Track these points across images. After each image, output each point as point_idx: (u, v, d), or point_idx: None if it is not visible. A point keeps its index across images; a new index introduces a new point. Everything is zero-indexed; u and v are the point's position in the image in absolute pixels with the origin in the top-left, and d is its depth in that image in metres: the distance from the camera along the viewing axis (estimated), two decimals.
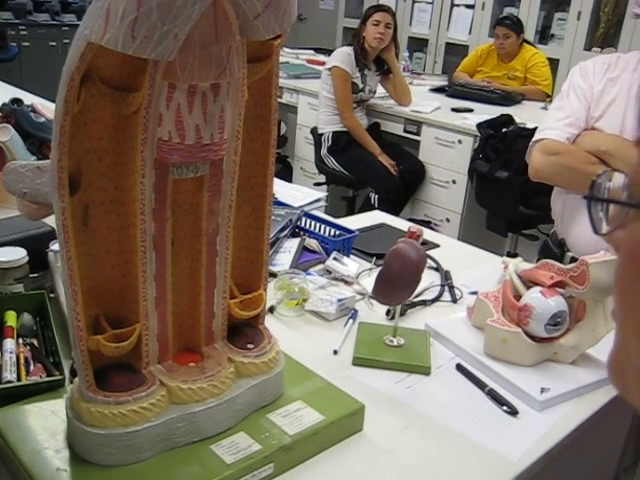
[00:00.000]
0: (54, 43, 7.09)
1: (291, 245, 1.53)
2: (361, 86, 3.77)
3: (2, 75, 4.38)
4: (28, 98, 2.32)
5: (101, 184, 0.79)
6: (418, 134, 3.79)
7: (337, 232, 1.65)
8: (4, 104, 1.68)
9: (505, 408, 1.09)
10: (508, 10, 5.69)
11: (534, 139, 1.77)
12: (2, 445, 0.87)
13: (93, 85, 0.73)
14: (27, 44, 6.91)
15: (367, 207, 3.60)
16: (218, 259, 0.90)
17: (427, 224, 3.66)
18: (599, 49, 5.15)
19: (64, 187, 0.74)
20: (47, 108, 1.74)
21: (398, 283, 1.12)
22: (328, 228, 1.67)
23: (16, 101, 1.69)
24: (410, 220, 3.50)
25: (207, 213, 0.86)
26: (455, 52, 5.95)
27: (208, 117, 0.77)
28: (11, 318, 1.13)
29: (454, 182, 3.61)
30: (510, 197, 3.09)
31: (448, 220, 3.68)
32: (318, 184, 4.02)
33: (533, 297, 1.18)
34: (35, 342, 1.12)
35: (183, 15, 0.65)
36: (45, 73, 6.70)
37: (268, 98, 0.88)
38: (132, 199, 0.80)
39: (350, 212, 3.99)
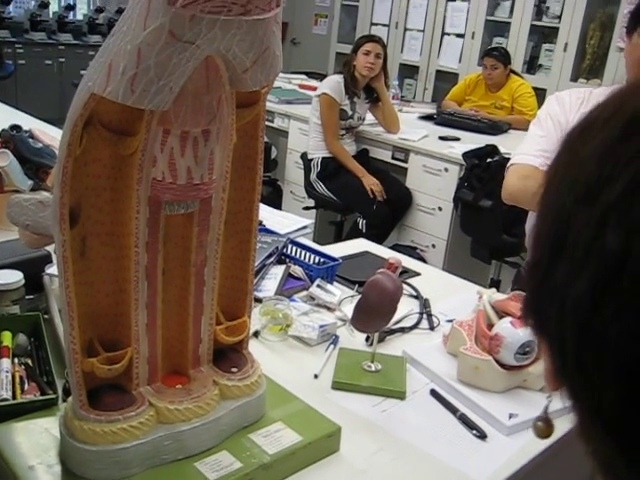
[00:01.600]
0: (50, 62, 7.18)
1: (277, 272, 1.59)
2: (350, 113, 3.84)
3: None
4: (25, 121, 2.39)
5: (99, 218, 0.86)
6: (406, 161, 3.86)
7: (321, 260, 1.71)
8: (4, 130, 1.75)
9: (475, 432, 1.15)
10: (497, 40, 5.83)
11: (509, 163, 1.83)
12: None
13: (94, 129, 0.80)
14: (23, 62, 6.99)
15: (355, 232, 3.65)
16: (205, 288, 0.97)
17: (413, 250, 3.72)
18: (585, 80, 5.28)
19: (65, 222, 0.80)
20: (45, 134, 1.81)
21: (375, 312, 1.18)
22: (312, 256, 1.73)
23: (15, 127, 1.75)
24: (396, 246, 3.57)
25: (196, 246, 0.93)
26: (445, 79, 6.07)
27: (199, 160, 0.84)
28: (7, 338, 1.18)
29: (440, 209, 3.68)
30: (493, 225, 3.17)
31: (434, 246, 3.74)
32: (307, 208, 4.08)
33: (503, 327, 1.25)
34: (29, 362, 1.16)
35: (178, 71, 0.72)
36: (41, 91, 6.81)
37: (255, 140, 0.95)
38: (127, 233, 0.86)
39: (338, 237, 4.04)
